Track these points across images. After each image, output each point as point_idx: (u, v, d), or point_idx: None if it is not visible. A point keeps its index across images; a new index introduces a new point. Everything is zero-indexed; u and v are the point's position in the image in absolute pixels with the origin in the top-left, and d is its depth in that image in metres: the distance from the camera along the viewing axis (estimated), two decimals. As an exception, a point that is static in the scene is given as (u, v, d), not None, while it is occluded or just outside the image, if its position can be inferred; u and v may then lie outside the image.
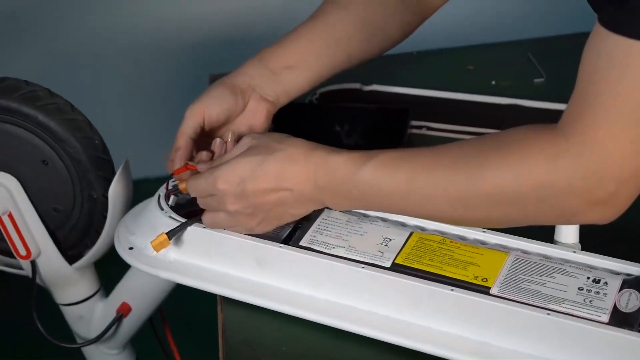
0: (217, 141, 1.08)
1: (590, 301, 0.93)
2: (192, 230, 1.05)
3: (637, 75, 0.82)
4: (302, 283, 1.01)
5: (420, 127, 1.34)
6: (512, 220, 0.93)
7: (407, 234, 1.02)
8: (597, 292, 0.94)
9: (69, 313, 1.32)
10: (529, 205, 0.90)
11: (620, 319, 0.91)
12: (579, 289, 0.94)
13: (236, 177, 0.99)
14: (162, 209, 1.07)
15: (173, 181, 1.10)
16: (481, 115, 1.35)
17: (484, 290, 0.95)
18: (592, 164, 0.86)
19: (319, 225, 1.04)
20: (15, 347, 2.13)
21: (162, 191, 1.10)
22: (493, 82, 1.45)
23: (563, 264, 0.97)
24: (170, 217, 1.06)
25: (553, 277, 0.95)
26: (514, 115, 1.34)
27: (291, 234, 1.04)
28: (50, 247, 1.22)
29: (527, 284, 0.95)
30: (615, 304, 0.92)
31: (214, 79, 1.44)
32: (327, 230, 1.03)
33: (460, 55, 1.56)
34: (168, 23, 2.40)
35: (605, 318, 0.91)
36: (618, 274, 0.96)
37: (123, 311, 1.27)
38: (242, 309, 1.03)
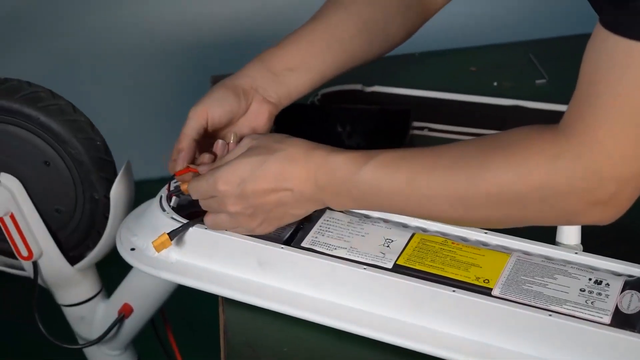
0: (219, 142, 1.08)
1: (592, 302, 0.93)
2: (194, 231, 1.05)
3: (637, 76, 0.82)
4: (304, 284, 1.01)
5: (422, 128, 1.34)
6: (513, 220, 0.93)
7: (409, 235, 1.02)
8: (599, 294, 0.93)
9: (71, 314, 1.32)
10: (530, 206, 0.90)
11: (621, 321, 0.91)
12: (580, 290, 0.94)
13: (236, 178, 0.99)
14: (163, 210, 1.07)
15: (175, 182, 1.10)
16: (483, 117, 1.35)
17: (485, 291, 0.95)
18: (593, 164, 0.86)
19: (320, 226, 1.04)
20: (17, 348, 2.13)
21: (164, 192, 1.10)
22: (495, 83, 1.45)
23: (565, 265, 0.97)
24: (172, 218, 1.06)
25: (555, 279, 0.95)
26: (516, 117, 1.34)
27: (293, 235, 1.04)
28: (52, 248, 1.22)
29: (529, 285, 0.95)
30: (617, 306, 0.92)
31: (215, 80, 1.44)
32: (329, 232, 1.03)
33: (462, 57, 1.56)
34: (170, 25, 2.40)
35: (607, 319, 0.91)
36: (620, 275, 0.96)
37: (125, 312, 1.27)
38: (243, 310, 1.03)
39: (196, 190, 1.03)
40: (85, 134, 1.17)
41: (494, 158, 0.91)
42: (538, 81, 1.46)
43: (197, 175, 1.05)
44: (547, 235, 1.01)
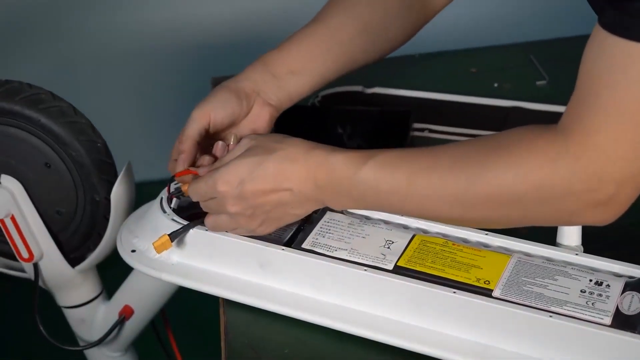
0: (218, 144, 1.08)
1: (592, 304, 0.93)
2: (195, 233, 1.05)
3: (636, 77, 0.82)
4: (305, 286, 1.01)
5: (422, 130, 1.34)
6: (512, 220, 0.94)
7: (410, 237, 1.02)
8: (600, 295, 0.94)
9: (72, 316, 1.32)
10: (529, 206, 0.90)
11: (622, 322, 0.91)
12: (581, 291, 0.94)
13: (235, 178, 0.99)
14: (164, 211, 1.07)
15: (175, 184, 1.10)
16: (483, 118, 1.35)
17: (486, 292, 0.95)
18: (592, 165, 0.86)
19: (321, 227, 1.04)
20: (18, 350, 2.13)
21: (164, 194, 1.10)
22: (495, 85, 1.45)
23: (565, 267, 0.97)
24: (173, 219, 1.06)
25: (555, 280, 0.95)
26: (516, 118, 1.34)
27: (293, 237, 1.04)
28: (52, 250, 1.22)
29: (530, 286, 0.95)
30: (617, 307, 0.92)
31: (216, 82, 1.44)
32: (330, 233, 1.03)
33: (463, 58, 1.57)
34: (170, 27, 2.40)
35: (608, 320, 0.91)
36: (620, 276, 0.96)
37: (125, 314, 1.27)
38: (244, 312, 1.04)
39: (196, 192, 1.03)
40: (86, 136, 1.17)
41: (493, 158, 0.91)
42: (538, 82, 1.46)
43: (197, 177, 1.05)
44: (547, 236, 1.01)
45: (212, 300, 1.07)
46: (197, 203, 1.05)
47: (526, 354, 0.92)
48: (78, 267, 1.25)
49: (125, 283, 1.28)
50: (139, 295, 1.27)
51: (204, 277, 1.04)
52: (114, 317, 1.28)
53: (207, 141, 1.09)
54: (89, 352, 1.36)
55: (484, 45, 1.61)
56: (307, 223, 1.05)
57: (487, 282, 0.96)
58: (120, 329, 1.29)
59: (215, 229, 1.04)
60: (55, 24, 2.35)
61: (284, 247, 1.02)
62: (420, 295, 0.96)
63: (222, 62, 2.33)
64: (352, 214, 1.06)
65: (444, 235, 1.03)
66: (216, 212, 1.03)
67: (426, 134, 1.34)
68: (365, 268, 0.99)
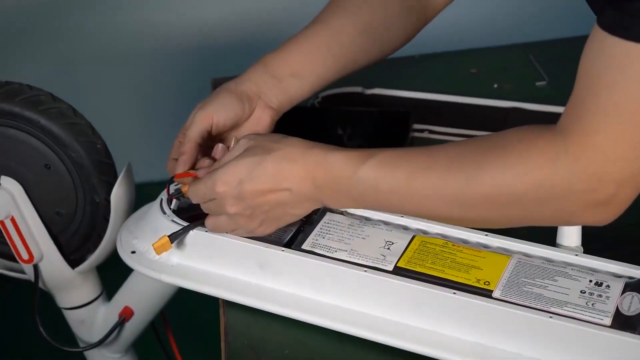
0: (219, 147, 1.08)
1: (592, 304, 0.93)
2: (195, 234, 1.05)
3: (635, 77, 0.82)
4: (305, 286, 1.01)
5: (422, 131, 1.34)
6: (511, 220, 0.94)
7: (410, 238, 1.02)
8: (600, 295, 0.93)
9: (72, 317, 1.32)
10: (528, 206, 0.90)
11: (622, 322, 0.91)
12: (581, 292, 0.94)
13: (234, 179, 0.99)
14: (164, 212, 1.07)
15: (175, 185, 1.10)
16: (483, 119, 1.35)
17: (486, 293, 0.95)
18: (591, 165, 0.86)
19: (321, 228, 1.04)
20: (18, 351, 2.13)
21: (164, 195, 1.10)
22: (495, 85, 1.45)
23: (565, 267, 0.97)
24: (173, 220, 1.06)
25: (555, 280, 0.95)
26: (516, 119, 1.34)
27: (293, 238, 1.04)
28: (52, 251, 1.22)
29: (530, 287, 0.95)
30: (617, 307, 0.92)
31: (216, 83, 1.44)
32: (329, 234, 1.03)
33: (462, 59, 1.57)
34: (170, 28, 2.40)
35: (608, 321, 0.91)
36: (620, 277, 0.96)
37: (125, 315, 1.27)
38: (244, 313, 1.04)
39: (195, 193, 1.03)
40: (85, 137, 1.17)
41: (492, 158, 0.91)
42: (538, 83, 1.46)
43: (196, 179, 1.05)
44: (547, 237, 1.01)
45: (212, 302, 1.07)
46: (197, 204, 1.05)
47: (526, 355, 0.92)
48: (78, 269, 1.25)
49: (125, 284, 1.28)
50: (139, 297, 1.27)
51: (203, 278, 1.04)
52: (114, 319, 1.28)
53: (208, 142, 1.09)
54: (89, 354, 1.36)
55: (484, 46, 1.61)
56: (307, 224, 1.05)
57: (487, 283, 0.96)
58: (120, 330, 1.29)
59: (215, 230, 1.04)
60: (55, 24, 2.35)
61: (283, 248, 1.02)
62: (420, 296, 0.96)
63: (222, 62, 2.34)
64: (352, 214, 1.06)
65: (444, 236, 1.03)
66: (216, 213, 1.03)
67: (426, 134, 1.34)
68: (365, 269, 0.99)
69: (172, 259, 1.06)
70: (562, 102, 0.90)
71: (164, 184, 1.09)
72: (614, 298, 0.93)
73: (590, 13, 0.89)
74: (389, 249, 1.01)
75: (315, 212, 1.05)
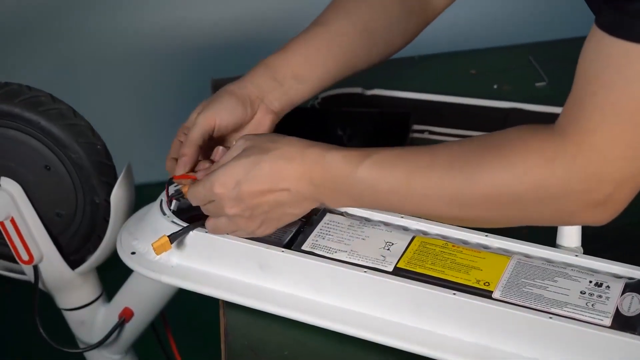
0: (219, 149, 1.07)
1: (592, 305, 0.93)
2: (194, 235, 1.05)
3: (633, 78, 0.82)
4: (305, 287, 1.01)
5: (422, 132, 1.34)
6: (510, 220, 0.94)
7: (409, 238, 1.02)
8: (600, 296, 0.94)
9: (72, 318, 1.32)
10: (526, 206, 0.90)
11: (622, 323, 0.91)
12: (581, 292, 0.94)
13: (231, 180, 0.99)
14: (164, 213, 1.07)
15: (175, 185, 1.10)
16: (483, 119, 1.35)
17: (486, 294, 0.95)
18: (589, 165, 0.86)
19: (321, 229, 1.04)
20: (18, 352, 2.13)
21: (164, 196, 1.10)
22: (495, 86, 1.45)
23: (565, 268, 0.97)
24: (173, 221, 1.06)
25: (555, 281, 0.95)
26: (516, 119, 1.34)
27: (293, 239, 1.04)
28: (52, 252, 1.22)
29: (529, 287, 0.95)
30: (617, 308, 0.92)
31: (216, 83, 1.44)
32: (329, 235, 1.03)
33: (462, 59, 1.57)
34: (170, 29, 2.40)
35: (608, 322, 0.91)
36: (620, 277, 0.96)
37: (125, 316, 1.27)
38: (244, 314, 1.04)
39: (194, 196, 1.03)
40: (85, 138, 1.17)
41: (491, 158, 0.91)
42: (538, 84, 1.46)
43: (195, 181, 1.05)
44: (547, 237, 1.01)
45: (212, 302, 1.07)
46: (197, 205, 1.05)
47: (526, 356, 0.92)
48: (78, 270, 1.25)
49: (125, 285, 1.28)
50: (139, 298, 1.27)
51: (203, 279, 1.04)
52: (114, 319, 1.28)
53: (209, 144, 1.09)
54: (89, 355, 1.36)
55: (484, 46, 1.61)
56: (307, 225, 1.05)
57: (487, 284, 0.96)
58: (120, 331, 1.29)
59: (215, 231, 1.03)
60: (54, 25, 2.35)
61: (283, 249, 1.02)
62: (420, 296, 0.96)
63: (222, 63, 2.34)
64: (351, 215, 1.06)
65: (444, 237, 1.03)
66: (215, 215, 1.03)
67: (426, 135, 1.34)
68: (365, 270, 0.99)
69: (172, 260, 1.06)
70: (562, 103, 0.90)
71: (163, 185, 1.09)
72: (613, 299, 0.93)
73: (590, 14, 0.89)
74: (388, 249, 1.01)
75: (315, 213, 1.05)
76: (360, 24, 1.13)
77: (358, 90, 1.41)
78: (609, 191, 0.87)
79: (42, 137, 1.17)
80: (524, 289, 0.95)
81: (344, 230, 1.04)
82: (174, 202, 1.09)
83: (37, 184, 1.19)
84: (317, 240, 1.03)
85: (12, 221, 1.20)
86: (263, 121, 1.11)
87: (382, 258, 1.00)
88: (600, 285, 0.95)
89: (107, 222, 1.18)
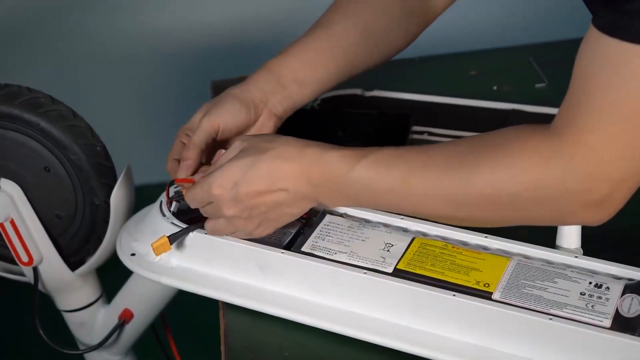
0: (221, 152, 1.07)
1: (592, 306, 0.93)
2: (194, 236, 1.05)
3: (630, 78, 0.82)
4: (304, 289, 1.01)
5: (421, 133, 1.34)
6: (507, 219, 0.94)
7: (409, 240, 1.02)
8: (599, 297, 0.93)
9: (71, 319, 1.32)
10: (523, 206, 0.90)
11: (622, 324, 0.91)
12: (581, 294, 0.94)
13: (229, 181, 0.99)
14: (164, 215, 1.07)
15: (175, 187, 1.10)
16: (483, 121, 1.35)
17: (486, 295, 0.95)
18: (586, 165, 0.86)
19: (320, 231, 1.04)
20: (18, 353, 2.13)
21: (164, 197, 1.10)
22: (495, 87, 1.45)
23: (565, 269, 0.97)
24: (172, 223, 1.06)
25: (555, 282, 0.95)
26: (516, 120, 1.34)
27: (293, 240, 1.04)
28: (52, 254, 1.22)
29: (529, 289, 0.95)
30: (617, 309, 0.92)
31: (215, 85, 1.44)
32: (329, 236, 1.03)
33: (462, 61, 1.57)
34: (170, 30, 2.40)
35: (608, 323, 0.91)
36: (620, 279, 0.96)
37: (125, 317, 1.27)
38: (244, 315, 1.04)
39: (192, 198, 1.03)
40: (85, 140, 1.17)
41: (487, 158, 0.91)
42: (538, 85, 1.46)
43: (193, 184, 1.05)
44: (547, 239, 1.01)
45: (211, 304, 1.07)
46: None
47: (526, 357, 0.92)
48: (78, 271, 1.25)
49: (125, 286, 1.28)
50: (139, 299, 1.27)
51: (203, 281, 1.04)
52: (114, 321, 1.28)
53: (211, 148, 1.09)
54: (88, 356, 1.36)
55: (483, 48, 1.61)
56: (307, 226, 1.05)
57: (486, 285, 0.96)
58: (120, 333, 1.29)
59: (214, 233, 1.03)
60: (54, 26, 2.35)
61: (283, 250, 1.02)
62: (419, 298, 0.96)
63: (222, 65, 2.34)
64: (351, 217, 1.06)
65: (444, 238, 1.03)
66: (214, 217, 1.02)
67: (425, 136, 1.34)
68: (365, 271, 0.99)
69: (171, 261, 1.06)
70: (562, 104, 0.90)
71: (163, 186, 1.09)
72: (613, 300, 0.93)
73: (589, 15, 0.89)
74: (388, 251, 1.01)
75: (314, 214, 1.05)
76: (361, 25, 1.14)
77: (358, 91, 1.41)
78: (606, 191, 0.87)
79: (41, 138, 1.17)
80: (523, 290, 0.95)
81: (344, 232, 1.04)
82: (173, 203, 1.09)
83: (36, 185, 1.19)
84: (317, 242, 1.03)
85: (12, 222, 1.20)
86: (266, 125, 1.11)
87: (381, 259, 1.00)
88: (600, 286, 0.95)
89: (107, 223, 1.18)
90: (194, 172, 1.06)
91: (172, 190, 1.10)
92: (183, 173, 1.06)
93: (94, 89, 2.43)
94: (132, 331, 1.30)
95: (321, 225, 1.05)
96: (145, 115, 2.53)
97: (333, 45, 1.12)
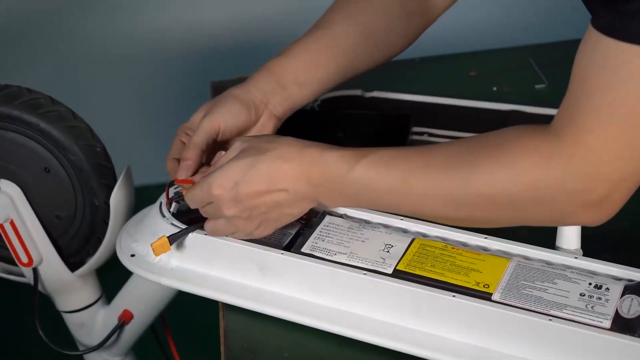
0: (221, 154, 1.07)
1: (592, 307, 0.93)
2: (194, 237, 1.05)
3: (629, 78, 0.82)
4: (304, 290, 1.01)
5: (421, 134, 1.34)
6: (506, 220, 0.94)
7: (409, 241, 1.02)
8: (599, 298, 0.93)
9: (71, 320, 1.32)
10: (522, 206, 0.91)
11: (622, 325, 0.91)
12: (580, 294, 0.94)
13: (229, 181, 0.99)
14: (163, 215, 1.07)
15: (175, 188, 1.10)
16: (483, 121, 1.35)
17: (485, 296, 0.95)
18: (585, 165, 0.86)
19: (320, 231, 1.04)
20: (18, 354, 2.13)
21: (163, 198, 1.10)
22: (494, 88, 1.45)
23: (565, 270, 0.97)
24: (172, 224, 1.06)
25: (555, 283, 0.95)
26: (516, 121, 1.34)
27: (293, 241, 1.04)
28: (52, 255, 1.22)
29: (529, 290, 0.95)
30: (617, 310, 0.92)
31: (215, 86, 1.44)
32: (329, 237, 1.03)
33: (462, 62, 1.57)
34: (170, 31, 2.40)
35: (607, 324, 0.91)
36: (620, 279, 0.96)
37: (125, 318, 1.27)
38: (244, 316, 1.03)
39: (192, 198, 1.03)
40: (85, 141, 1.17)
41: (487, 158, 0.91)
42: (538, 86, 1.46)
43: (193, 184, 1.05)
44: (546, 240, 1.01)
45: (211, 305, 1.07)
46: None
47: (526, 358, 0.92)
48: (77, 272, 1.25)
49: (125, 287, 1.28)
50: (139, 300, 1.27)
51: (203, 281, 1.04)
52: (114, 322, 1.28)
53: (211, 148, 1.09)
54: (88, 357, 1.36)
55: (483, 48, 1.61)
56: (307, 227, 1.05)
57: (486, 286, 0.96)
58: (120, 334, 1.29)
59: (214, 233, 1.03)
60: (54, 26, 2.35)
61: (283, 251, 1.02)
62: (419, 299, 0.96)
63: (222, 66, 2.33)
64: (351, 217, 1.06)
65: (444, 239, 1.03)
66: (214, 217, 1.02)
67: (425, 137, 1.34)
68: (365, 272, 0.99)
69: (171, 262, 1.06)
70: (562, 105, 0.90)
71: (163, 187, 1.09)
72: (613, 301, 0.93)
73: (589, 16, 0.89)
74: (388, 251, 1.01)
75: (314, 215, 1.05)
76: (361, 26, 1.14)
77: (358, 92, 1.41)
78: (604, 191, 0.87)
79: (41, 139, 1.17)
80: (523, 291, 0.95)
81: (344, 233, 1.04)
82: (173, 204, 1.09)
83: (36, 186, 1.19)
84: (316, 243, 1.03)
85: (12, 223, 1.20)
86: (267, 126, 1.11)
87: (381, 260, 1.00)
88: (599, 287, 0.95)
89: (107, 224, 1.18)
90: (194, 173, 1.06)
91: (171, 191, 1.10)
92: (183, 173, 1.06)
93: (94, 90, 2.43)
94: (131, 332, 1.30)
95: (321, 226, 1.05)
96: (145, 115, 2.53)
97: (333, 45, 1.12)
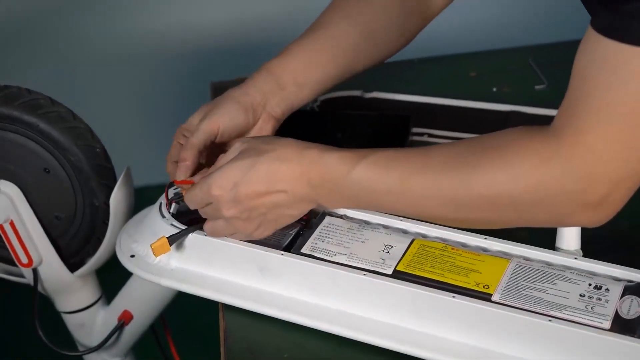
0: (222, 157, 1.07)
1: (591, 308, 0.93)
2: (193, 238, 1.05)
3: (629, 79, 0.82)
4: (304, 290, 1.01)
5: (421, 134, 1.34)
6: (506, 221, 0.94)
7: (409, 241, 1.02)
8: (599, 299, 0.93)
9: (71, 321, 1.32)
10: (522, 207, 0.90)
11: (621, 326, 0.91)
12: (580, 295, 0.94)
13: (229, 182, 0.99)
14: (163, 216, 1.07)
15: (175, 189, 1.10)
16: (482, 122, 1.35)
17: (485, 297, 0.95)
18: (584, 166, 0.86)
19: (320, 232, 1.04)
20: (17, 354, 2.13)
21: (163, 199, 1.10)
22: (494, 89, 1.45)
23: (564, 271, 0.97)
24: (172, 224, 1.06)
25: (554, 284, 0.95)
26: (516, 122, 1.34)
27: (292, 241, 1.04)
28: (51, 255, 1.22)
29: (529, 290, 0.95)
30: (616, 311, 0.92)
31: (215, 87, 1.44)
32: (329, 238, 1.03)
33: (462, 62, 1.57)
34: (170, 31, 2.40)
35: (607, 324, 0.91)
36: (619, 280, 0.96)
37: (125, 319, 1.27)
38: (244, 316, 1.03)
39: (191, 199, 1.03)
40: (84, 141, 1.17)
41: (486, 159, 0.91)
42: (537, 86, 1.46)
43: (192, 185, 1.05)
44: (546, 240, 1.01)
45: (211, 305, 1.07)
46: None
47: (525, 358, 0.92)
48: (77, 272, 1.25)
49: (125, 288, 1.28)
50: (138, 300, 1.27)
51: (203, 282, 1.04)
52: (113, 322, 1.28)
53: (210, 149, 1.09)
54: (88, 357, 1.36)
55: (483, 49, 1.61)
56: (306, 228, 1.05)
57: (486, 287, 0.96)
58: (120, 334, 1.29)
59: (213, 234, 1.03)
60: (53, 29, 2.35)
61: (283, 252, 1.02)
62: (419, 299, 0.96)
63: (222, 66, 2.33)
64: (351, 218, 1.06)
65: (443, 240, 1.03)
66: (213, 218, 1.02)
67: (425, 138, 1.34)
68: (365, 272, 0.99)
69: (171, 263, 1.06)
70: (561, 106, 0.90)
71: (163, 188, 1.09)
72: (613, 301, 0.93)
73: (589, 17, 0.89)
74: (388, 252, 1.01)
75: (314, 215, 1.06)
76: (361, 26, 1.14)
77: (357, 92, 1.41)
78: (604, 192, 0.87)
79: (41, 140, 1.17)
80: (523, 291, 0.95)
81: (344, 233, 1.04)
82: (173, 205, 1.09)
83: (36, 186, 1.19)
84: (316, 243, 1.03)
85: (12, 224, 1.20)
86: (265, 128, 1.11)
87: (381, 261, 1.00)
88: (599, 288, 0.95)
89: (107, 224, 1.18)
90: (193, 173, 1.06)
91: (171, 192, 1.10)
92: (182, 174, 1.06)
93: (94, 90, 2.43)
94: (131, 333, 1.30)
95: (321, 226, 1.05)
96: (145, 116, 2.53)
97: (332, 45, 1.12)
